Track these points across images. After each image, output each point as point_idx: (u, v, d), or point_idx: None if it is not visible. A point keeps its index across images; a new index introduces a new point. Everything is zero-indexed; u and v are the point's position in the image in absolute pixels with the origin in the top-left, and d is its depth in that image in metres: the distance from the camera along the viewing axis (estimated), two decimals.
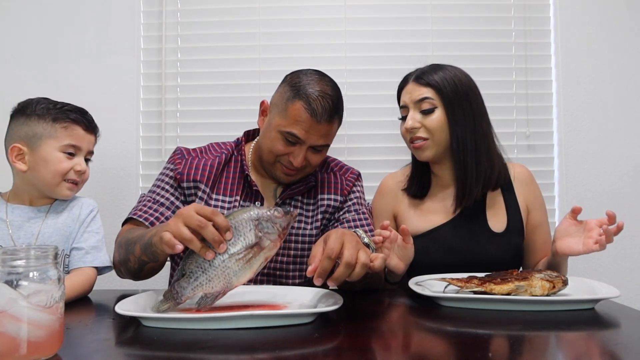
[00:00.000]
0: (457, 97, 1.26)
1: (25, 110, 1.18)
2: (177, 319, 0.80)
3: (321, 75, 1.24)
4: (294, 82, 1.22)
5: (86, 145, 1.22)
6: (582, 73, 1.81)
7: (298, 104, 1.18)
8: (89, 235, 1.20)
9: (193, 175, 1.27)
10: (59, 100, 1.23)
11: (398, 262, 1.13)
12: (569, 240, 1.12)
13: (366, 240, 1.05)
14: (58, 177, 1.17)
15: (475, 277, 1.01)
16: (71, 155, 1.19)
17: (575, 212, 1.13)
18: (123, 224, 1.24)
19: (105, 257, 1.20)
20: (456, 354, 0.71)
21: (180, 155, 1.32)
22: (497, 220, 1.30)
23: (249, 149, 1.36)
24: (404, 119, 1.32)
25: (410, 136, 1.30)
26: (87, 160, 1.25)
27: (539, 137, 1.82)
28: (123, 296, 0.91)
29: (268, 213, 0.87)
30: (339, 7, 1.84)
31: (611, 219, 1.07)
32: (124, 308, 0.81)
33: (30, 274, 0.64)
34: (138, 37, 1.85)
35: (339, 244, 0.86)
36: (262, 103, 1.31)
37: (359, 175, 1.40)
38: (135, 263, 1.08)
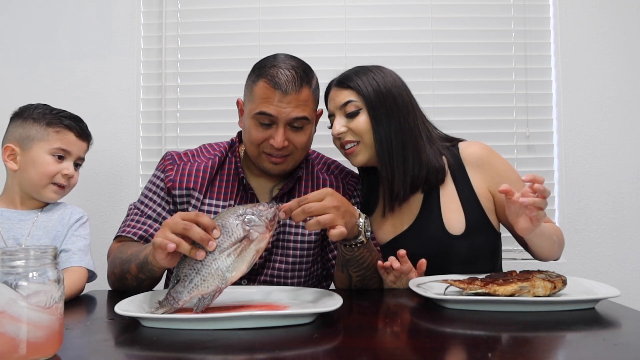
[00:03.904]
0: (380, 96, 1.22)
1: (23, 114, 1.22)
2: (177, 319, 0.80)
3: (284, 54, 1.22)
4: (256, 67, 1.22)
5: (77, 151, 1.24)
6: (582, 73, 1.80)
7: (261, 83, 1.16)
8: (76, 238, 1.21)
9: (186, 182, 1.24)
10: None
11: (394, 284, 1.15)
12: (520, 222, 1.06)
13: (361, 223, 1.05)
14: (45, 179, 1.19)
15: (477, 279, 1.01)
16: (60, 158, 1.21)
17: (506, 193, 1.03)
18: (114, 239, 1.25)
19: (91, 263, 1.20)
20: (456, 355, 0.70)
21: (171, 161, 1.28)
22: (454, 219, 1.23)
23: (243, 149, 1.32)
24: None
25: (339, 142, 1.27)
26: (77, 165, 1.26)
27: (539, 137, 1.82)
28: (122, 296, 0.91)
29: (252, 207, 0.89)
30: (339, 7, 1.84)
31: (532, 182, 0.99)
32: (123, 308, 0.81)
33: (30, 275, 0.64)
34: (138, 37, 1.85)
35: (317, 197, 0.94)
36: (238, 102, 1.29)
37: (359, 179, 1.38)
38: (133, 281, 1.08)
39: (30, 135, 1.19)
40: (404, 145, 1.22)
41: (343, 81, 1.26)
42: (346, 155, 1.28)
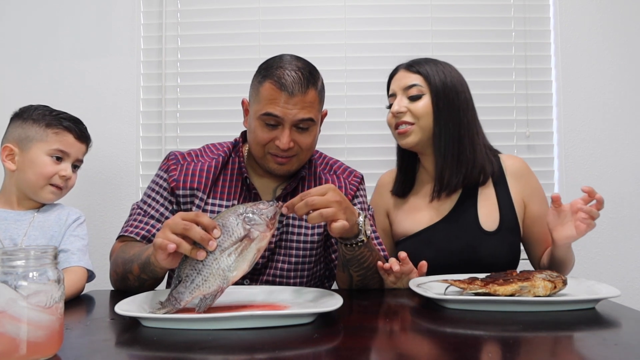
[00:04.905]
0: (445, 87, 1.29)
1: (23, 115, 1.23)
2: (177, 319, 0.80)
3: (290, 55, 1.22)
4: (262, 67, 1.22)
5: (75, 152, 1.25)
6: (582, 73, 1.80)
7: (267, 84, 1.16)
8: (74, 238, 1.21)
9: (190, 182, 1.24)
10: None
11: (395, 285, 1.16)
12: (563, 229, 1.13)
13: (361, 222, 1.05)
14: (42, 179, 1.19)
15: (477, 279, 1.01)
16: (58, 160, 1.22)
17: (555, 201, 1.14)
18: (116, 239, 1.25)
19: (89, 263, 1.20)
20: (456, 355, 0.70)
21: (174, 161, 1.28)
22: (489, 217, 1.29)
23: (246, 149, 1.33)
24: (391, 107, 1.33)
25: (396, 121, 1.31)
26: (75, 167, 1.27)
27: (539, 137, 1.82)
28: (122, 296, 0.91)
29: (253, 206, 0.89)
30: (339, 7, 1.84)
31: (590, 194, 1.08)
32: (124, 308, 0.81)
33: (30, 274, 0.64)
34: (138, 37, 1.84)
35: (319, 191, 0.95)
36: (243, 102, 1.30)
37: (362, 178, 1.37)
38: (135, 281, 1.08)
39: (29, 136, 1.20)
40: (461, 140, 1.28)
41: (413, 65, 1.33)
42: (397, 135, 1.33)
